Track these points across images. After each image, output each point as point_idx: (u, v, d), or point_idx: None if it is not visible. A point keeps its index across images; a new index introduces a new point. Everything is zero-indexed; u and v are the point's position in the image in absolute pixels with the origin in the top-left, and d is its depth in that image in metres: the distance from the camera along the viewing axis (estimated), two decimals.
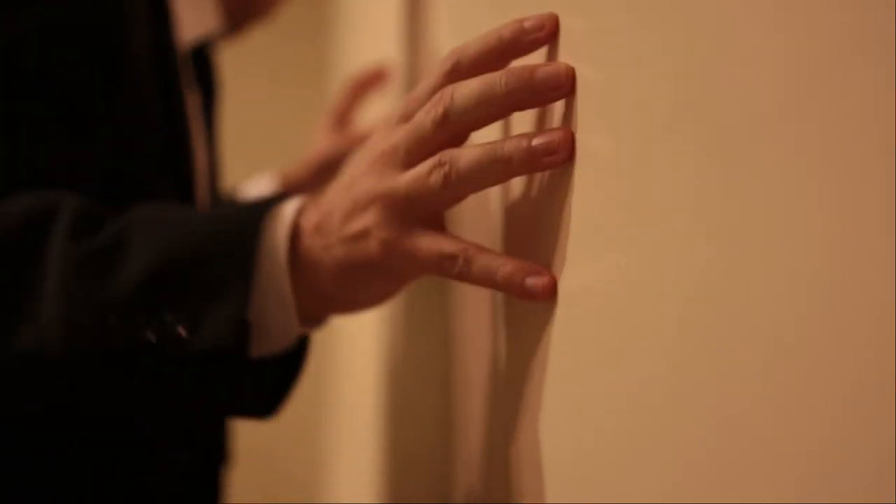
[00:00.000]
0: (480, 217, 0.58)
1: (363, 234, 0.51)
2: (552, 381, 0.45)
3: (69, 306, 0.53)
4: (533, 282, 0.46)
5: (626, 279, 0.38)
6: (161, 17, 0.71)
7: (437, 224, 0.51)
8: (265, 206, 0.55)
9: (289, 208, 0.54)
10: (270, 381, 0.57)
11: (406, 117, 0.51)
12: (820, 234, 0.26)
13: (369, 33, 1.51)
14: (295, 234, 0.54)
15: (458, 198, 0.50)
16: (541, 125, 0.48)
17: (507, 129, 0.53)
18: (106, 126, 0.65)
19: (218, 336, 0.52)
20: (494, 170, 0.46)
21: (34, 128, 0.62)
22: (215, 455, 0.83)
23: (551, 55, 0.46)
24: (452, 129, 0.48)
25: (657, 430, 0.35)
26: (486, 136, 0.50)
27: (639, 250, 0.37)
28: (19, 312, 0.54)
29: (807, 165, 0.27)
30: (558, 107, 0.45)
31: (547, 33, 0.45)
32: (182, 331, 0.52)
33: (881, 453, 0.23)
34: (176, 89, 0.71)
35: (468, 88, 0.47)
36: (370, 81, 1.06)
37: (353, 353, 1.54)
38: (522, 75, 0.45)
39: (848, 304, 0.25)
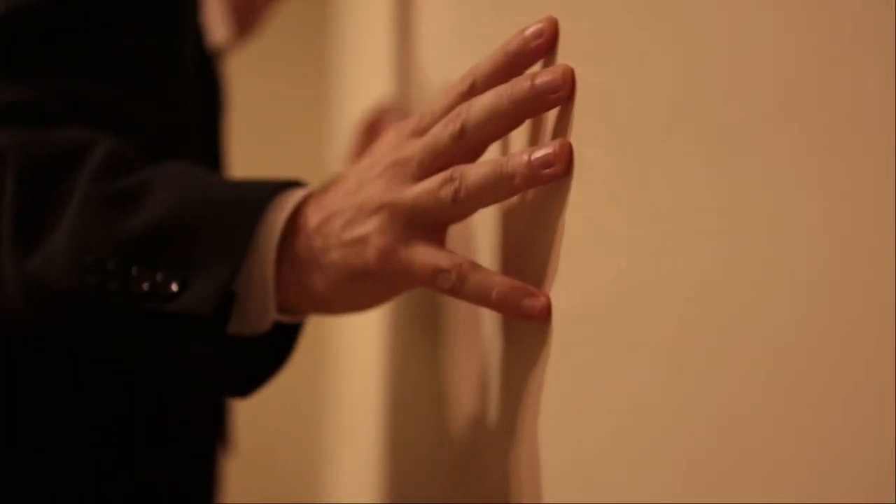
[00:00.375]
0: (480, 220, 0.58)
1: (363, 241, 0.51)
2: (552, 381, 0.45)
3: (76, 243, 0.55)
4: (528, 303, 0.46)
5: (627, 280, 0.38)
6: (200, 24, 0.77)
7: (437, 238, 0.51)
8: (275, 189, 0.55)
9: (293, 199, 0.55)
10: (246, 360, 0.57)
11: (420, 131, 0.52)
12: (820, 236, 0.26)
13: (369, 33, 1.51)
14: (293, 230, 0.54)
15: (466, 214, 0.51)
16: (541, 134, 0.48)
17: (505, 141, 0.53)
18: (154, 91, 0.69)
19: (203, 300, 0.52)
20: (501, 186, 0.47)
21: (95, 70, 0.65)
22: (214, 441, 0.83)
23: (553, 60, 0.46)
24: (469, 144, 0.49)
25: (657, 430, 0.35)
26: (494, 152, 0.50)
27: (639, 251, 0.37)
28: (39, 236, 0.56)
29: (807, 166, 0.27)
30: (560, 112, 0.46)
31: (546, 39, 0.46)
32: (174, 286, 0.53)
33: (881, 453, 0.23)
34: (214, 85, 0.77)
35: (481, 103, 0.48)
36: (378, 122, 1.08)
37: (354, 354, 1.54)
38: (524, 84, 0.45)
39: (848, 305, 0.25)
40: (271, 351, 0.57)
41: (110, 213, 0.55)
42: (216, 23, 0.86)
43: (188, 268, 0.53)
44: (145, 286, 0.53)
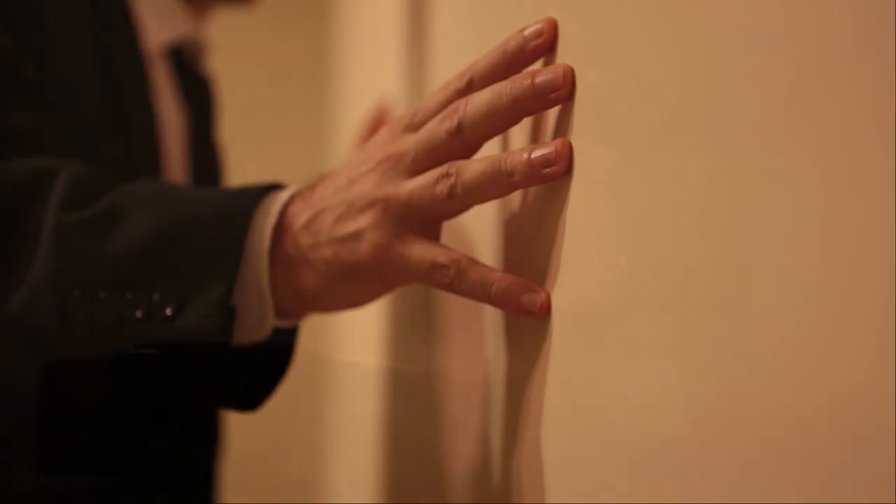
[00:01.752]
0: (480, 219, 0.58)
1: (356, 236, 0.50)
2: (552, 381, 0.45)
3: (59, 277, 0.53)
4: (529, 299, 0.46)
5: (627, 280, 0.38)
6: (114, 23, 0.74)
7: (432, 234, 0.51)
8: (258, 195, 0.54)
9: (278, 202, 0.54)
10: (249, 372, 0.56)
11: (414, 127, 0.51)
12: (821, 236, 0.26)
13: (370, 33, 1.51)
14: (281, 231, 0.53)
15: (461, 210, 0.50)
16: (541, 133, 0.48)
17: (505, 140, 0.53)
18: (84, 109, 0.67)
19: (203, 319, 0.52)
20: (498, 183, 0.46)
21: (11, 100, 0.63)
22: (205, 444, 0.83)
23: (553, 59, 0.46)
24: (465, 140, 0.48)
25: (658, 430, 0.35)
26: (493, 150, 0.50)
27: (639, 251, 0.37)
28: (16, 273, 0.54)
29: (807, 166, 0.27)
30: (560, 111, 0.46)
31: (546, 39, 0.46)
32: (168, 311, 0.52)
33: (881, 453, 0.23)
34: (129, 89, 0.73)
35: (479, 100, 0.47)
36: (381, 120, 1.07)
37: (354, 354, 1.54)
38: (524, 81, 0.45)
39: (849, 304, 0.25)
40: (273, 357, 0.57)
41: (88, 241, 0.54)
42: (173, 19, 0.83)
43: (183, 287, 0.52)
44: (139, 313, 0.52)
